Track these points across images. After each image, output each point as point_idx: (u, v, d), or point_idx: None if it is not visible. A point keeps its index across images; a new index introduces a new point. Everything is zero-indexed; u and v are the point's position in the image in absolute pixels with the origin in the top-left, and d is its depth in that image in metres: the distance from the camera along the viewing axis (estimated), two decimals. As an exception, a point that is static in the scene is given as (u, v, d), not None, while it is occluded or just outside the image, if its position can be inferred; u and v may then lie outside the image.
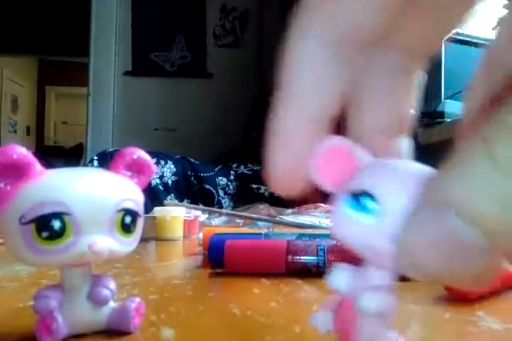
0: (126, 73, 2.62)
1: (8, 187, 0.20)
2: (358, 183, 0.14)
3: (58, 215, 0.19)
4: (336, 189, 0.15)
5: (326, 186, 0.16)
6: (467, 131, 0.14)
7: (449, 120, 1.35)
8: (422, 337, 0.23)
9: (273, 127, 0.15)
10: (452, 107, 1.37)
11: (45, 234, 0.19)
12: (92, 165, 1.69)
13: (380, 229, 0.13)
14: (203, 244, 0.49)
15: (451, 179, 0.10)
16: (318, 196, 1.58)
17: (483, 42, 1.48)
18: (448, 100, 1.35)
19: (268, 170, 0.15)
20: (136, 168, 0.23)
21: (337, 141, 0.15)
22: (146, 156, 0.23)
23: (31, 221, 0.19)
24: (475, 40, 1.47)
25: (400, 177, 0.14)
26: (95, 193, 0.20)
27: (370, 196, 0.13)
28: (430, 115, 1.39)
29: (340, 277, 0.16)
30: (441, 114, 1.36)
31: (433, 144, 1.41)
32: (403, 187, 0.13)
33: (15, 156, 0.19)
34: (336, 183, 0.15)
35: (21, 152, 0.20)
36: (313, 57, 0.14)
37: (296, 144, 0.15)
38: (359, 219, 0.14)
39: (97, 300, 0.22)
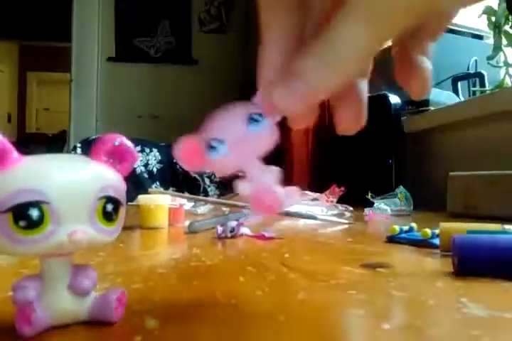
0: (110, 59, 2.58)
1: (-17, 175, 0.19)
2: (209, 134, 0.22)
3: (36, 204, 0.19)
4: (196, 169, 0.22)
5: (189, 168, 0.24)
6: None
7: (433, 108, 1.36)
8: (405, 323, 0.23)
9: (260, 51, 0.22)
10: (437, 96, 1.37)
11: (22, 223, 0.19)
12: (75, 153, 1.67)
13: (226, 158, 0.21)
14: (441, 245, 0.43)
15: (305, 58, 0.19)
16: (305, 185, 1.58)
17: (467, 30, 1.48)
18: (433, 88, 1.35)
19: (260, 82, 0.22)
20: (118, 155, 0.22)
21: (190, 141, 0.22)
22: (128, 143, 0.22)
23: (8, 210, 0.18)
24: (459, 29, 1.47)
25: (230, 118, 0.21)
26: (74, 180, 0.20)
27: (219, 140, 0.21)
28: (415, 103, 1.39)
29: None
30: (426, 103, 1.37)
31: (418, 132, 1.41)
32: (234, 122, 0.21)
33: (-11, 142, 0.18)
34: (195, 166, 0.24)
35: (-4, 138, 0.19)
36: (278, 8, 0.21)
37: (274, 58, 0.21)
38: (213, 156, 0.22)
39: (77, 291, 0.21)
